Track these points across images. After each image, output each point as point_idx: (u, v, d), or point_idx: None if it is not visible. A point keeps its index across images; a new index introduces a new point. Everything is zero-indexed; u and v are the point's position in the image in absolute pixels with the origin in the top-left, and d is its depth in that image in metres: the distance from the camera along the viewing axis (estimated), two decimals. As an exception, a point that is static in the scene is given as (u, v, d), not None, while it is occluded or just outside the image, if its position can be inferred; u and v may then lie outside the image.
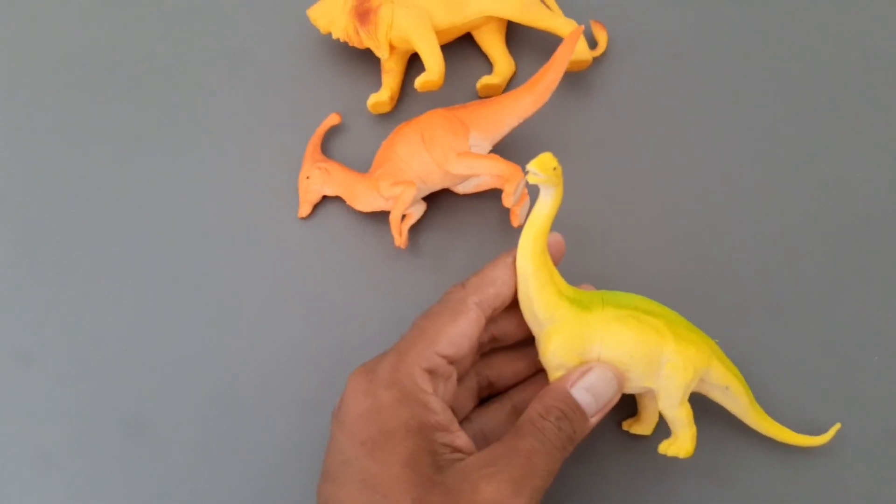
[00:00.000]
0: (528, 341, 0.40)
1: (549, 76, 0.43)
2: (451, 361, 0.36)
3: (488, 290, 0.37)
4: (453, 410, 0.38)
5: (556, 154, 0.47)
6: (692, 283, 0.45)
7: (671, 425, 0.39)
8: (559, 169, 0.35)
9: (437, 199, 0.46)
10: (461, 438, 0.35)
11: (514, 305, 0.38)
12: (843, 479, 0.43)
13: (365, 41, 0.46)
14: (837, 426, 0.42)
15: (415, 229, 0.46)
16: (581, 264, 0.45)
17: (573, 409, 0.35)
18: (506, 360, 0.41)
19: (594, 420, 0.36)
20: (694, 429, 0.39)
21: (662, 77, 0.48)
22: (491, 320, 0.38)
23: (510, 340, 0.40)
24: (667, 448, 0.39)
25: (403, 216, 0.45)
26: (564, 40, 0.43)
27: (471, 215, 0.46)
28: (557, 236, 0.39)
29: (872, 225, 0.46)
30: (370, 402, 0.35)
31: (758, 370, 0.44)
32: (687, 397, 0.38)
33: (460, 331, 0.36)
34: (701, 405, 0.42)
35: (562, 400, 0.36)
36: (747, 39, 0.49)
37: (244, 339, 0.45)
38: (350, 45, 0.47)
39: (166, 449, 0.44)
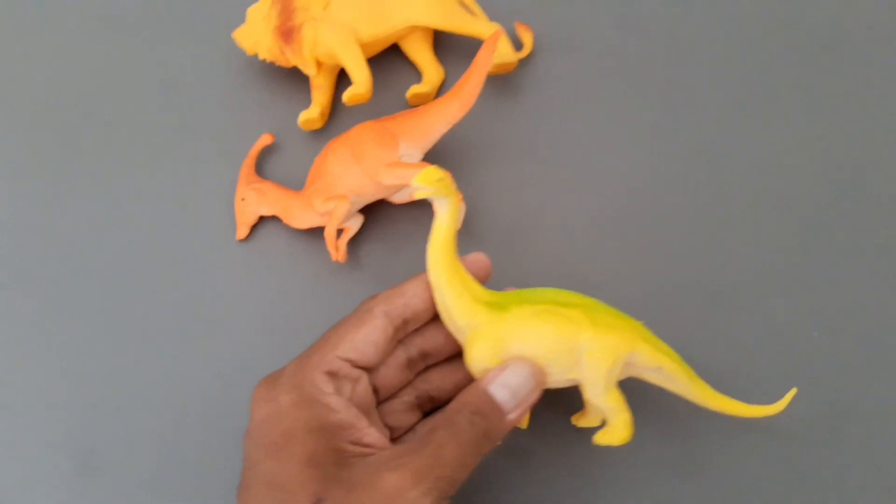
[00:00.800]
0: (460, 357, 0.40)
1: (472, 81, 0.43)
2: (356, 365, 0.37)
3: (397, 301, 0.37)
4: (392, 429, 0.40)
5: (486, 156, 0.48)
6: (629, 279, 0.46)
7: (604, 414, 0.39)
8: (446, 179, 0.36)
9: (375, 211, 0.46)
10: (371, 435, 0.36)
11: (438, 320, 0.39)
12: (791, 453, 0.43)
13: (291, 60, 0.46)
14: (793, 391, 0.41)
15: (354, 242, 0.46)
16: (517, 265, 0.46)
17: (488, 406, 0.36)
18: (444, 374, 0.41)
19: (513, 416, 0.36)
20: (626, 414, 0.38)
21: (590, 75, 0.49)
22: (402, 331, 0.38)
23: (443, 355, 0.41)
24: (601, 438, 0.39)
25: (341, 230, 0.45)
26: (483, 44, 0.43)
27: (409, 224, 0.47)
28: (481, 256, 0.39)
29: (803, 208, 0.47)
30: (271, 407, 0.36)
31: (701, 356, 0.45)
32: (613, 383, 0.38)
33: (363, 336, 0.37)
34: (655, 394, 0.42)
35: (477, 396, 0.36)
36: (672, 33, 0.49)
37: (190, 366, 0.45)
38: (277, 64, 0.47)
39: (121, 481, 0.44)
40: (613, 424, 0.38)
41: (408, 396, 0.41)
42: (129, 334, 0.46)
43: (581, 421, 0.42)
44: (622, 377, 0.39)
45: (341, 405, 0.36)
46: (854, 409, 0.44)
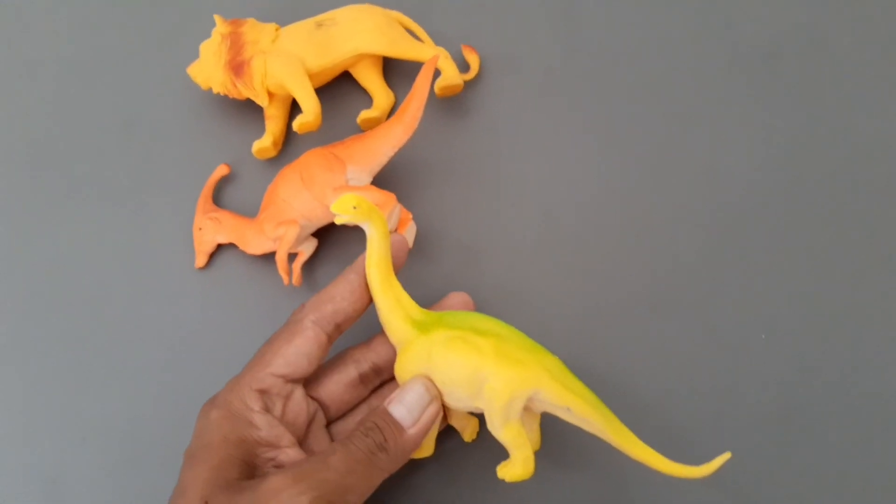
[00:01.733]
0: None
1: (413, 105, 0.44)
2: (290, 379, 0.39)
3: (326, 308, 0.39)
4: (341, 434, 0.40)
5: (439, 177, 0.49)
6: (578, 291, 0.47)
7: (506, 448, 0.38)
8: (362, 205, 0.38)
9: (329, 234, 0.48)
10: (287, 455, 0.37)
11: (384, 336, 0.41)
12: (735, 450, 0.44)
13: (243, 92, 0.48)
14: (727, 455, 0.36)
15: (309, 265, 0.48)
16: (469, 283, 0.47)
17: (386, 422, 0.37)
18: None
19: (414, 430, 0.38)
20: (526, 451, 0.37)
21: (535, 94, 0.50)
22: (336, 334, 0.40)
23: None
24: (502, 472, 0.38)
25: (296, 254, 0.47)
26: (422, 68, 0.44)
27: (363, 246, 0.47)
28: (397, 237, 0.41)
29: (746, 213, 0.48)
30: (202, 422, 0.38)
31: (649, 364, 0.45)
32: (510, 419, 0.37)
33: (295, 350, 0.38)
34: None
35: (377, 414, 0.38)
36: (614, 50, 0.51)
37: (152, 394, 0.46)
38: (231, 97, 0.49)
39: (86, 508, 0.45)
40: (512, 460, 0.37)
41: (361, 414, 0.42)
42: (91, 364, 0.47)
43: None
44: (537, 412, 0.39)
45: (265, 423, 0.37)
46: (798, 409, 0.45)
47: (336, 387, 0.41)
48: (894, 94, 0.49)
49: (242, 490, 0.35)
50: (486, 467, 0.44)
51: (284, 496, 0.34)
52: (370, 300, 0.40)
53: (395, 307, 0.39)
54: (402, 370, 0.39)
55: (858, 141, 0.49)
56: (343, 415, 0.42)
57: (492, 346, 0.37)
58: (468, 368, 0.37)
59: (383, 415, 0.38)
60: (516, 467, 0.37)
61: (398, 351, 0.40)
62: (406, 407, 0.38)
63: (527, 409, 0.38)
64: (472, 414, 0.43)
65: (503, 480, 0.38)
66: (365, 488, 0.36)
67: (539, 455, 0.39)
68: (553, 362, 0.38)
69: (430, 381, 0.38)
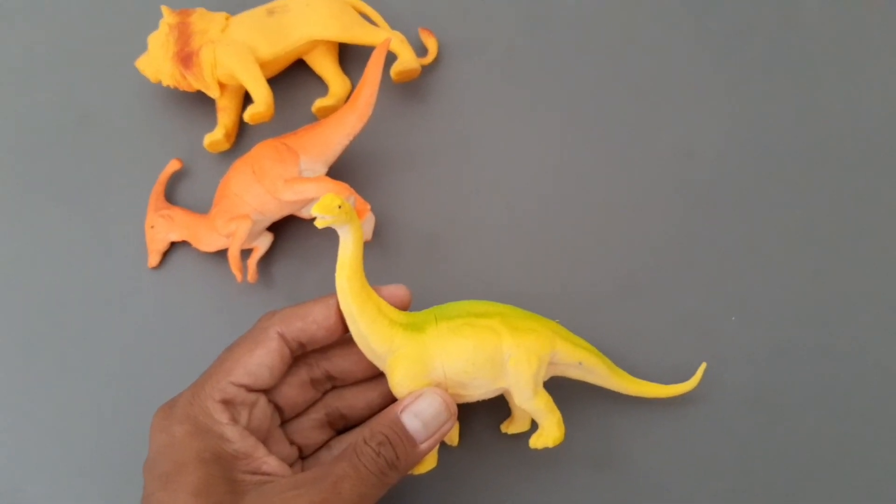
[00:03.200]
0: (372, 378, 0.40)
1: (365, 91, 0.43)
2: (251, 389, 0.37)
3: (295, 324, 0.37)
4: (301, 447, 0.39)
5: (397, 166, 0.48)
6: (546, 277, 0.46)
7: (535, 417, 0.39)
8: (345, 206, 0.35)
9: (285, 228, 0.46)
10: (269, 463, 0.36)
11: (346, 344, 0.39)
12: (713, 433, 0.43)
13: (193, 84, 0.46)
14: (703, 366, 0.42)
15: (266, 260, 0.46)
16: (432, 274, 0.46)
17: (399, 435, 0.35)
18: (357, 392, 0.40)
19: (425, 446, 0.36)
20: (557, 414, 0.38)
21: (495, 77, 0.49)
22: (300, 351, 0.38)
23: (350, 379, 0.40)
24: (536, 441, 0.39)
25: (251, 250, 0.45)
26: (373, 53, 0.43)
27: (321, 239, 0.46)
28: (402, 290, 0.38)
29: (715, 194, 0.46)
30: (165, 438, 0.35)
31: (621, 348, 0.44)
32: (540, 385, 0.38)
33: (257, 360, 0.36)
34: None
35: (388, 425, 0.35)
36: (574, 30, 0.49)
37: (109, 397, 0.45)
38: (181, 89, 0.47)
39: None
40: (546, 426, 0.38)
41: (316, 414, 0.40)
42: (43, 369, 0.45)
43: (511, 428, 0.42)
44: (546, 378, 0.39)
45: (236, 435, 0.35)
46: (771, 390, 0.44)
47: (289, 389, 0.39)
48: (867, 70, 0.48)
49: None
50: (472, 467, 0.43)
51: None
52: (344, 331, 0.38)
53: (376, 317, 0.36)
54: (403, 377, 0.36)
55: (831, 119, 0.47)
56: (297, 414, 0.41)
57: (501, 323, 0.37)
58: (488, 349, 0.37)
59: (395, 426, 0.35)
60: (553, 431, 0.38)
61: (389, 361, 0.37)
62: (422, 421, 0.35)
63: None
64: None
65: (541, 449, 0.39)
66: None
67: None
68: (555, 325, 0.40)
69: (450, 396, 0.37)
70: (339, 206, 0.35)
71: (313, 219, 0.45)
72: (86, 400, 0.45)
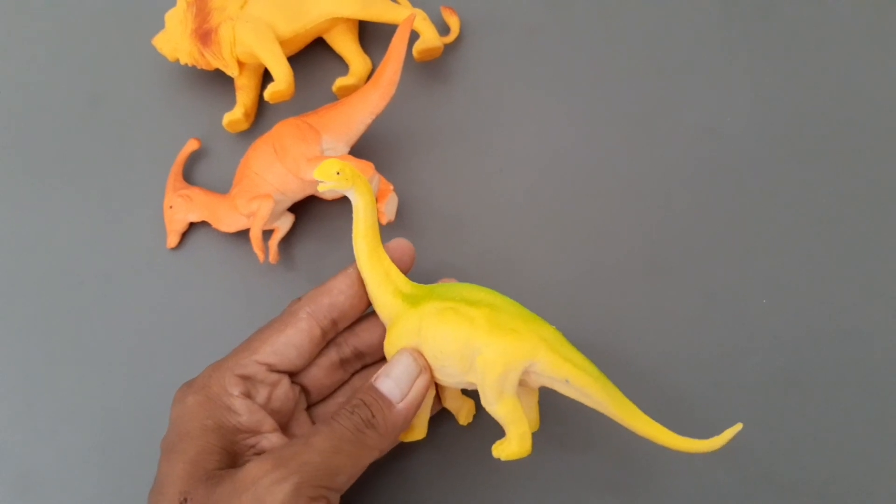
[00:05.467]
0: None
1: (389, 69, 0.42)
2: (276, 369, 0.36)
3: (322, 300, 0.37)
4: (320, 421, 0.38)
5: (420, 145, 0.47)
6: (570, 259, 0.45)
7: (501, 424, 0.36)
8: (345, 170, 0.35)
9: (307, 209, 0.46)
10: (270, 441, 0.35)
11: (371, 318, 0.39)
12: (737, 416, 0.42)
13: (212, 62, 0.45)
14: (738, 427, 0.34)
15: (287, 242, 0.45)
16: (454, 254, 0.45)
17: (373, 397, 0.35)
18: None
19: (403, 405, 0.35)
20: (521, 427, 0.35)
21: (518, 55, 0.48)
22: (332, 331, 0.38)
23: (379, 354, 0.40)
24: (497, 450, 0.36)
25: (272, 231, 0.45)
26: (397, 30, 0.42)
27: (342, 220, 0.46)
28: (403, 242, 0.38)
29: (743, 173, 0.45)
30: (178, 409, 0.36)
31: (647, 330, 0.43)
32: (506, 392, 0.35)
33: (285, 340, 0.36)
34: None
35: (363, 391, 0.35)
36: (598, 2, 0.48)
37: (126, 379, 0.44)
38: (199, 68, 0.46)
39: (59, 502, 0.43)
40: (508, 437, 0.35)
41: (342, 397, 0.40)
42: (61, 351, 0.45)
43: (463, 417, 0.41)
44: (535, 386, 0.36)
45: (244, 408, 0.35)
46: (801, 375, 0.43)
47: (317, 370, 0.39)
48: (891, 45, 0.47)
49: (221, 480, 0.33)
50: (482, 451, 0.42)
51: (264, 482, 0.32)
52: (369, 301, 0.38)
53: (383, 281, 0.37)
54: (390, 346, 0.37)
55: (858, 94, 0.46)
56: (324, 398, 0.40)
57: (484, 317, 0.35)
58: (459, 340, 0.35)
59: (370, 390, 0.35)
60: (512, 444, 0.35)
61: (387, 327, 0.37)
62: (394, 380, 0.35)
63: (523, 384, 0.36)
64: (466, 394, 0.41)
65: (499, 459, 0.36)
66: (353, 469, 0.34)
67: (537, 435, 0.37)
68: (550, 332, 0.36)
69: (419, 352, 0.36)
70: (338, 172, 0.35)
71: (335, 199, 0.45)
72: (104, 382, 0.44)
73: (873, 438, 0.42)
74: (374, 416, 0.35)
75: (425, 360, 0.36)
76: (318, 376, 0.39)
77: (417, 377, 0.36)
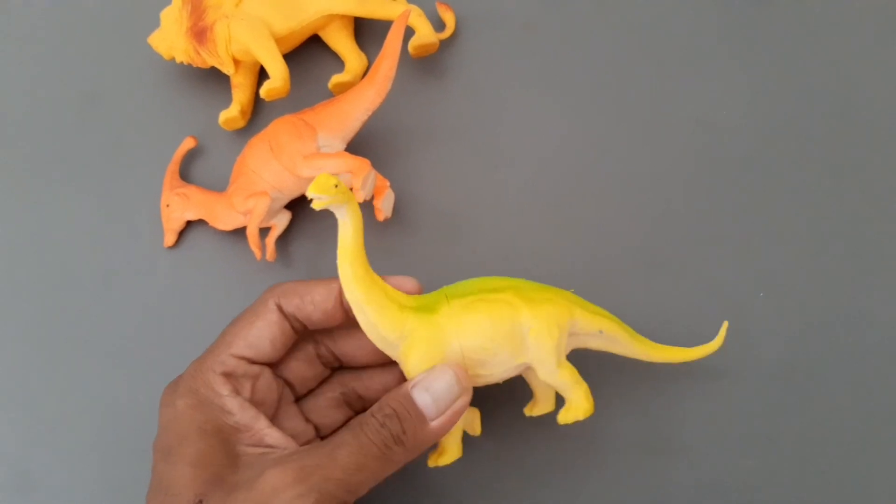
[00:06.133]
0: (381, 364, 0.39)
1: (385, 65, 0.42)
2: (253, 361, 0.36)
3: (293, 300, 0.36)
4: (319, 427, 0.39)
5: (416, 142, 0.47)
6: (569, 254, 0.45)
7: (561, 392, 0.37)
8: (341, 185, 0.33)
9: (304, 206, 0.45)
10: (272, 436, 0.35)
11: (351, 328, 0.38)
12: (738, 410, 0.42)
13: (208, 60, 0.45)
14: (725, 324, 0.40)
15: (283, 239, 0.45)
16: (455, 249, 0.45)
17: (407, 410, 0.34)
18: (372, 373, 0.40)
19: (437, 423, 0.34)
20: (584, 385, 0.37)
21: (514, 50, 0.48)
22: (302, 329, 0.37)
23: (356, 363, 0.39)
24: (566, 416, 0.37)
25: (269, 229, 0.44)
26: (392, 25, 0.42)
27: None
28: (410, 282, 0.37)
29: (740, 166, 0.45)
30: (169, 412, 0.35)
31: (646, 325, 0.43)
32: (563, 357, 0.37)
33: (257, 332, 0.36)
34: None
35: (397, 399, 0.34)
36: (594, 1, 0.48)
37: (124, 378, 0.44)
38: (195, 66, 0.46)
39: (58, 501, 0.43)
40: (573, 399, 0.37)
41: (332, 392, 0.40)
42: (59, 350, 0.45)
43: (535, 410, 0.40)
44: (567, 351, 0.38)
45: (237, 407, 0.35)
46: (801, 367, 0.43)
47: (296, 363, 0.38)
48: (887, 37, 0.47)
49: (237, 485, 0.32)
50: (498, 457, 0.42)
51: (285, 497, 0.31)
52: (342, 321, 0.37)
53: (384, 302, 0.35)
54: (419, 361, 0.35)
55: (854, 86, 0.46)
56: (311, 390, 0.40)
57: (516, 296, 0.36)
58: (505, 324, 0.35)
59: (405, 400, 0.34)
60: (582, 401, 0.37)
61: (402, 347, 0.35)
62: (432, 396, 0.34)
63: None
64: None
65: (571, 423, 0.37)
66: (372, 483, 0.33)
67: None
68: (571, 294, 0.38)
69: (462, 370, 0.35)
70: (336, 186, 0.33)
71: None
72: (102, 381, 0.44)
73: (871, 431, 0.42)
74: (404, 431, 0.33)
75: (468, 379, 0.35)
76: (297, 368, 0.39)
77: (458, 398, 0.35)
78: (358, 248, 0.34)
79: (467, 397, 0.35)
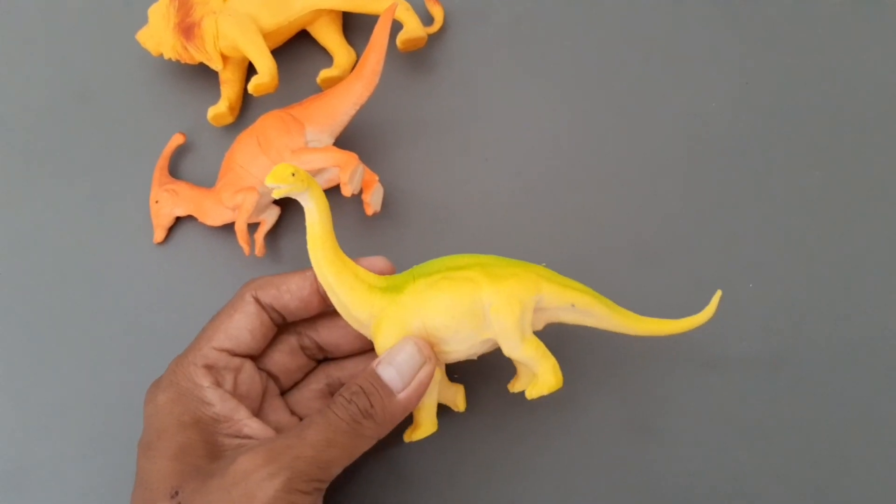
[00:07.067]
0: (364, 353, 0.40)
1: (372, 59, 0.42)
2: (235, 354, 0.37)
3: (270, 291, 0.37)
4: (304, 418, 0.38)
5: (405, 136, 0.47)
6: (558, 247, 0.45)
7: (529, 366, 0.37)
8: (300, 173, 0.34)
9: (292, 201, 0.45)
10: (250, 427, 0.35)
11: (331, 317, 0.38)
12: (726, 400, 0.42)
13: (196, 56, 0.45)
14: (718, 293, 0.38)
15: (273, 234, 0.45)
16: (445, 242, 0.45)
17: (373, 384, 0.34)
18: (357, 362, 0.40)
19: (404, 395, 0.35)
20: (551, 359, 0.36)
21: (503, 44, 0.48)
22: (281, 320, 0.38)
23: (339, 352, 0.40)
24: (532, 391, 0.37)
25: (258, 224, 0.45)
26: (379, 19, 0.42)
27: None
28: (382, 261, 0.38)
29: (728, 159, 0.46)
30: (151, 409, 0.36)
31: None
32: (527, 332, 0.36)
33: (236, 324, 0.36)
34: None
35: (363, 377, 0.35)
36: (582, -9, 0.48)
37: (115, 375, 0.44)
38: (183, 62, 0.46)
39: (51, 499, 0.43)
40: (540, 373, 0.37)
41: (317, 384, 0.40)
42: (49, 345, 0.45)
43: (517, 385, 0.40)
44: (540, 326, 0.38)
45: (217, 398, 0.35)
46: (789, 358, 0.43)
47: (279, 355, 0.39)
48: (885, 27, 0.47)
49: (212, 474, 0.33)
50: (479, 435, 0.42)
51: (256, 477, 0.32)
52: (319, 309, 0.37)
53: (354, 283, 0.36)
54: (385, 339, 0.36)
55: (844, 79, 0.46)
56: (296, 383, 0.40)
57: (479, 273, 0.36)
58: (466, 300, 0.35)
59: (370, 376, 0.35)
60: (548, 377, 0.36)
61: (373, 328, 0.36)
62: (396, 368, 0.35)
63: (533, 326, 0.37)
64: (454, 380, 0.41)
65: (536, 398, 0.37)
66: (347, 459, 0.34)
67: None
68: (542, 269, 0.37)
69: (423, 341, 0.36)
70: (293, 174, 0.34)
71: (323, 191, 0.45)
72: (91, 378, 0.44)
73: (862, 421, 0.42)
74: (372, 405, 0.34)
75: (430, 349, 0.36)
76: (281, 361, 0.39)
77: (421, 367, 0.35)
78: (326, 232, 0.35)
79: (430, 366, 0.36)
